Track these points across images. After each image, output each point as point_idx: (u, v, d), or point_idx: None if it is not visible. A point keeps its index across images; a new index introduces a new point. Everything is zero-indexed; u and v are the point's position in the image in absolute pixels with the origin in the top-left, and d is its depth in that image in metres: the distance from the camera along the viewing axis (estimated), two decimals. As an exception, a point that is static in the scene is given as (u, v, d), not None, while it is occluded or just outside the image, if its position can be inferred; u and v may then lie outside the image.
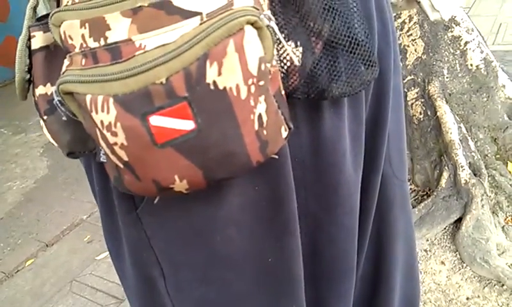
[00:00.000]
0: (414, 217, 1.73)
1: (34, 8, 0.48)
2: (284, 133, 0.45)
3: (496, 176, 1.74)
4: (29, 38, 0.47)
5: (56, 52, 0.46)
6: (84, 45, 0.40)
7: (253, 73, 0.39)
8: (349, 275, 0.67)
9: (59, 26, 0.41)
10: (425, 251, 1.67)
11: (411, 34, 1.76)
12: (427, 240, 1.70)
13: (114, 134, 0.39)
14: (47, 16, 0.46)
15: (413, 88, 1.83)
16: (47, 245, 2.17)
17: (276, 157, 0.48)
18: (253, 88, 0.40)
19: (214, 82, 0.38)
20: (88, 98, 0.38)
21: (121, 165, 0.41)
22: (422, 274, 1.58)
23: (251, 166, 0.43)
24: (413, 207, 1.78)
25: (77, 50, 0.40)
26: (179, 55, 0.37)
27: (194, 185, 0.43)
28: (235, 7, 0.38)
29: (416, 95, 1.83)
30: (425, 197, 1.85)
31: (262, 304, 0.61)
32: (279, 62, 0.46)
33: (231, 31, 0.37)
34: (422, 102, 1.83)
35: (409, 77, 1.82)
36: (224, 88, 0.38)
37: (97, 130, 0.40)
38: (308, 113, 0.53)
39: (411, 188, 1.94)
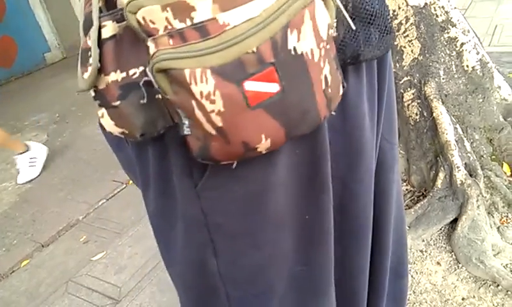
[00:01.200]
0: (410, 217, 1.73)
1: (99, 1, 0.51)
2: (341, 90, 0.52)
3: (492, 176, 1.75)
4: (100, 28, 0.49)
5: (121, 40, 0.49)
6: (170, 27, 0.44)
7: (323, 38, 0.46)
8: (367, 230, 0.74)
9: (135, 13, 0.44)
10: (421, 251, 1.67)
11: (407, 35, 1.76)
12: (423, 241, 1.70)
13: (213, 102, 0.43)
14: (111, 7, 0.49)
15: (409, 89, 1.83)
16: (42, 246, 2.16)
17: (334, 113, 0.53)
18: (323, 51, 0.46)
19: (294, 48, 0.44)
20: (187, 72, 0.42)
21: (214, 132, 0.46)
22: (418, 275, 1.59)
23: (320, 121, 0.50)
24: (409, 208, 1.78)
25: (161, 32, 0.44)
26: (266, 27, 0.43)
27: (276, 143, 0.49)
28: None
29: (412, 96, 1.84)
30: (421, 197, 1.85)
31: (299, 259, 0.67)
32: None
33: (306, 2, 0.44)
34: (418, 103, 1.83)
35: (405, 78, 1.83)
36: (302, 53, 0.45)
37: (193, 101, 0.44)
38: None
39: (407, 189, 1.94)
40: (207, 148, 0.48)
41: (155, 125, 0.52)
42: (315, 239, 0.67)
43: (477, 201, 1.65)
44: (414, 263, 1.63)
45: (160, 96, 0.47)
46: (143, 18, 0.44)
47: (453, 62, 1.80)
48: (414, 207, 1.76)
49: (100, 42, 0.49)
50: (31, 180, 2.77)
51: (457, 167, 1.70)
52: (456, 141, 1.73)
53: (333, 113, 0.52)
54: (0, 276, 2.00)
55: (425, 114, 1.82)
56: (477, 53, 1.82)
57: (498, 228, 1.68)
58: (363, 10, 0.57)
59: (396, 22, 1.75)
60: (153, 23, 0.44)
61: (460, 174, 1.69)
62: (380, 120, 0.72)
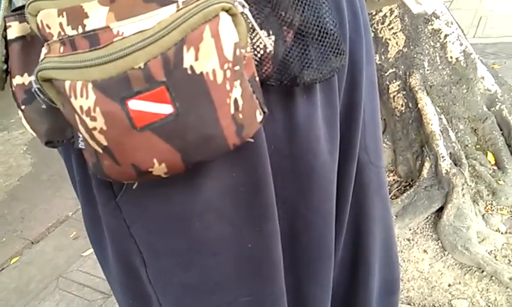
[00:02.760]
0: (397, 207, 1.76)
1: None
2: (259, 117, 0.46)
3: (477, 166, 1.78)
4: (5, 29, 0.47)
5: (32, 42, 0.47)
6: (62, 33, 0.41)
7: (228, 58, 0.41)
8: (327, 260, 0.69)
9: (36, 15, 0.42)
10: (408, 240, 1.70)
11: (392, 28, 1.79)
12: (410, 230, 1.74)
13: (94, 119, 0.40)
14: (23, 7, 0.46)
15: (394, 81, 1.86)
16: (32, 243, 2.15)
17: (252, 140, 0.49)
18: (228, 73, 0.41)
19: (191, 67, 0.39)
20: (67, 84, 0.39)
21: (101, 151, 0.42)
22: (406, 263, 1.62)
23: (228, 149, 0.45)
24: (396, 197, 1.81)
25: (55, 38, 0.41)
26: (157, 41, 0.38)
27: (172, 168, 0.44)
28: None
29: (398, 88, 1.86)
30: (407, 187, 1.88)
31: (242, 289, 0.62)
32: (253, 50, 0.48)
33: (207, 17, 0.39)
34: (403, 95, 1.86)
35: (390, 70, 1.85)
36: (201, 73, 0.40)
37: (76, 115, 0.41)
38: (282, 101, 0.55)
39: (394, 179, 1.97)
40: (99, 166, 0.44)
41: (63, 133, 0.49)
42: (261, 269, 0.61)
43: (462, 189, 1.69)
44: (401, 251, 1.66)
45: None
46: (41, 22, 0.42)
47: (437, 54, 1.82)
48: (401, 197, 1.79)
49: (7, 42, 0.47)
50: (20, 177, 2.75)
51: (443, 157, 1.73)
52: (441, 131, 1.77)
53: (250, 140, 0.48)
54: (-11, 274, 1.99)
55: (410, 105, 1.85)
56: (461, 44, 1.85)
57: (483, 215, 1.71)
58: (313, 26, 0.51)
59: (381, 14, 1.77)
60: (49, 28, 0.41)
61: (445, 164, 1.72)
62: (353, 143, 0.67)
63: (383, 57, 1.83)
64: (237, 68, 0.42)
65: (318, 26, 0.51)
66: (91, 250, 1.96)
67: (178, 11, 0.39)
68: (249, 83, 0.44)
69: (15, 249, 2.11)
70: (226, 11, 0.40)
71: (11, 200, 2.55)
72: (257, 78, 0.46)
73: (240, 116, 0.44)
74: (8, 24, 0.47)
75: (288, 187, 0.60)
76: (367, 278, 0.78)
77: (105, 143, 0.41)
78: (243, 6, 0.41)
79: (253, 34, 0.47)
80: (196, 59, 0.39)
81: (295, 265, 0.66)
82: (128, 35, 0.39)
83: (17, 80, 0.47)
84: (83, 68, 0.39)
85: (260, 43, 0.48)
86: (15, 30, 0.47)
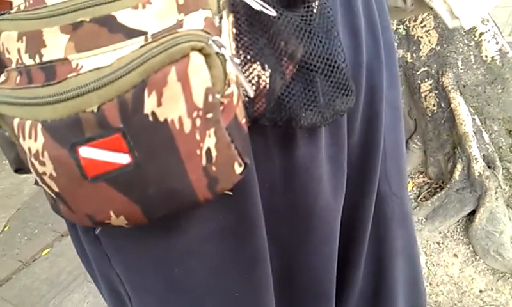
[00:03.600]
0: (427, 209, 1.72)
1: None
2: (238, 169, 0.40)
3: (511, 168, 1.72)
4: None
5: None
6: (20, 61, 0.37)
7: (198, 105, 0.35)
8: (325, 303, 0.64)
9: None
10: (438, 243, 1.66)
11: (424, 25, 1.74)
12: (440, 233, 1.69)
13: (42, 164, 0.36)
14: None
15: (426, 80, 1.81)
16: (62, 235, 2.21)
17: (230, 193, 0.43)
18: (198, 121, 0.36)
19: (153, 113, 0.34)
20: (16, 122, 0.35)
21: (53, 195, 0.38)
22: (435, 266, 1.58)
23: (199, 203, 0.40)
24: (426, 200, 1.77)
25: (13, 65, 0.37)
26: (113, 82, 0.33)
27: (133, 221, 0.40)
28: (182, 30, 0.35)
29: (430, 87, 1.82)
30: (438, 189, 1.84)
31: None
32: (242, 87, 0.41)
33: (173, 58, 0.33)
34: (435, 94, 1.81)
35: (422, 69, 1.81)
36: (165, 120, 0.35)
37: (27, 156, 0.37)
38: (280, 139, 0.50)
39: (424, 181, 1.93)
40: (57, 208, 0.41)
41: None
42: None
43: (496, 193, 1.64)
44: (430, 255, 1.63)
45: None
46: (2, 44, 0.37)
47: (471, 53, 1.77)
48: (431, 199, 1.75)
49: None
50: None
51: (475, 159, 1.68)
52: (474, 132, 1.71)
53: (228, 193, 0.42)
54: (22, 264, 2.05)
55: (442, 105, 1.80)
56: (497, 43, 1.78)
57: (517, 220, 1.66)
58: (319, 59, 0.45)
59: (413, 11, 1.73)
60: (9, 52, 0.37)
61: (478, 166, 1.67)
62: (371, 179, 0.62)
63: (414, 55, 1.79)
64: (209, 115, 0.36)
65: (324, 59, 0.45)
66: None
67: (141, 47, 0.34)
68: (226, 131, 0.38)
69: (46, 241, 2.18)
70: (199, 50, 0.34)
71: (43, 193, 2.61)
72: (242, 122, 0.40)
73: (214, 168, 0.38)
74: None
75: (284, 227, 0.56)
76: None
77: (56, 190, 0.37)
78: (220, 46, 0.35)
79: (246, 67, 0.42)
80: (159, 104, 0.34)
81: None
82: (84, 71, 0.34)
83: None
84: (33, 105, 0.34)
85: (253, 78, 0.42)
86: None
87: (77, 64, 0.35)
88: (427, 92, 1.83)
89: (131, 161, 0.35)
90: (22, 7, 0.38)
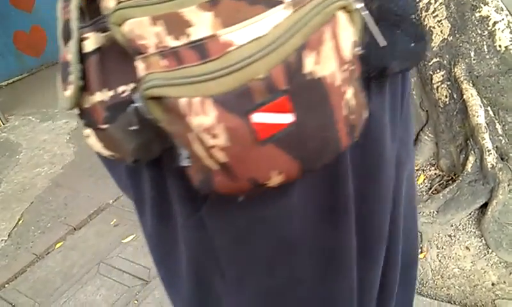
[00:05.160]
0: (438, 202, 1.71)
1: (80, 7, 0.42)
2: (365, 115, 0.44)
3: (525, 160, 1.70)
4: (81, 41, 0.42)
5: (108, 53, 0.42)
6: (161, 44, 0.37)
7: (347, 59, 0.39)
8: (383, 245, 0.69)
9: (122, 25, 0.38)
10: (450, 236, 1.65)
11: (436, 15, 1.71)
12: (452, 226, 1.68)
13: (215, 136, 0.38)
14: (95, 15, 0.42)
15: (438, 71, 1.79)
16: (75, 229, 2.23)
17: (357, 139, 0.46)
18: (346, 74, 0.39)
19: (312, 72, 0.37)
20: (183, 101, 0.36)
21: (216, 167, 0.40)
22: (446, 259, 1.57)
23: (341, 151, 0.44)
24: (438, 192, 1.76)
25: (151, 50, 0.37)
26: (278, 48, 0.36)
27: (289, 178, 0.42)
28: None
29: (441, 78, 1.79)
30: (450, 182, 1.82)
31: (321, 285, 0.62)
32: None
33: (327, 18, 0.37)
34: (447, 85, 1.78)
35: (434, 60, 1.78)
36: (321, 77, 0.38)
37: (191, 134, 0.38)
38: None
39: (435, 174, 1.91)
40: (209, 182, 0.42)
41: (149, 149, 0.45)
42: (336, 265, 0.61)
43: (509, 185, 1.61)
44: (442, 248, 1.61)
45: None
46: (130, 32, 0.37)
47: (485, 42, 1.74)
48: (443, 192, 1.73)
49: (83, 56, 0.42)
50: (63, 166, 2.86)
51: (488, 151, 1.65)
52: (487, 124, 1.69)
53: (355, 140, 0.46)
54: (36, 257, 2.08)
55: (455, 96, 1.78)
56: (511, 32, 1.75)
57: (530, 212, 1.63)
58: (389, 13, 0.48)
59: (425, 1, 1.71)
60: (142, 39, 0.37)
61: (491, 158, 1.65)
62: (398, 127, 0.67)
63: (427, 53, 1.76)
64: (352, 67, 0.40)
65: (395, 14, 0.49)
66: (131, 237, 2.03)
67: (295, 12, 0.37)
68: (357, 81, 0.42)
69: (59, 234, 2.20)
70: (343, 8, 0.38)
71: (55, 187, 2.65)
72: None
73: (352, 116, 0.42)
74: (84, 36, 0.42)
75: (359, 177, 0.59)
76: (392, 258, 0.78)
77: (224, 160, 0.39)
78: (357, 2, 0.39)
79: None
80: (317, 63, 0.37)
81: (360, 254, 0.66)
82: (243, 43, 0.36)
83: (97, 97, 0.43)
84: (199, 82, 0.36)
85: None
86: (92, 41, 0.42)
87: (226, 40, 0.36)
88: (439, 83, 1.80)
89: (294, 120, 0.39)
90: None
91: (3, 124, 3.83)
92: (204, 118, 0.37)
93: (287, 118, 0.38)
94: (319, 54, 0.37)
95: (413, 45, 0.51)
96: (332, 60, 0.38)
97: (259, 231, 0.54)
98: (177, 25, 0.37)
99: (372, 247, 0.67)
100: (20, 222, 2.41)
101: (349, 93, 0.41)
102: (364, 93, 0.44)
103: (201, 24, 0.36)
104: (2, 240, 2.28)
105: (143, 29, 0.37)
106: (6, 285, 1.96)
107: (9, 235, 2.31)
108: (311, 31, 0.36)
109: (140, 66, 0.38)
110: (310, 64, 0.37)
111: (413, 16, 0.50)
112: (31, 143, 3.35)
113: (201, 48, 0.36)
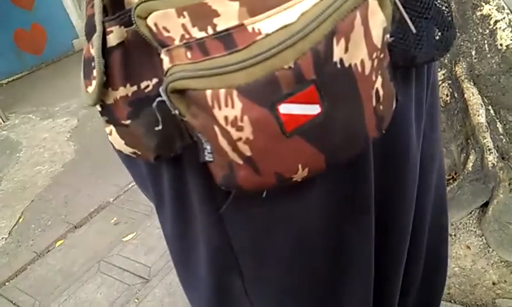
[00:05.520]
0: (439, 201, 1.70)
1: (104, 3, 0.42)
2: (394, 105, 0.42)
3: (526, 159, 1.70)
4: (104, 35, 0.41)
5: (131, 47, 0.41)
6: (187, 36, 0.36)
7: (377, 46, 0.37)
8: (405, 247, 0.67)
9: (146, 18, 0.37)
10: (450, 235, 1.65)
11: (437, 14, 1.71)
12: (452, 225, 1.68)
13: (240, 129, 0.36)
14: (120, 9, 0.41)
15: (439, 69, 1.79)
16: (75, 227, 2.24)
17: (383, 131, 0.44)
18: (376, 62, 0.38)
19: (341, 60, 0.36)
20: (209, 93, 0.35)
21: (241, 162, 0.39)
22: (447, 258, 1.57)
23: (368, 144, 0.42)
24: (438, 191, 1.75)
25: (177, 42, 0.37)
26: (307, 35, 0.34)
27: (314, 172, 0.41)
28: None
29: (442, 77, 1.79)
30: (451, 181, 1.82)
31: (336, 286, 0.61)
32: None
33: (357, 3, 0.35)
34: (448, 84, 1.78)
35: (435, 58, 1.78)
36: (350, 65, 0.36)
37: (216, 127, 0.37)
38: None
39: (436, 172, 1.91)
40: (232, 178, 0.41)
41: (171, 146, 0.44)
42: (353, 263, 0.59)
43: (510, 184, 1.61)
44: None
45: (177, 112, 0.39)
46: (155, 25, 0.37)
47: (486, 41, 1.73)
48: (443, 190, 1.73)
49: (106, 50, 0.41)
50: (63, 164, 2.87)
51: (489, 150, 1.65)
52: (488, 123, 1.69)
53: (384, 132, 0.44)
54: (37, 255, 2.09)
55: (456, 95, 1.78)
56: (512, 31, 1.75)
57: (531, 212, 1.63)
58: (417, 1, 0.46)
59: (426, 0, 1.70)
60: (168, 31, 0.37)
61: (492, 157, 1.65)
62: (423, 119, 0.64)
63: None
64: (382, 55, 0.38)
65: (424, 2, 0.47)
66: (131, 235, 2.03)
67: (321, 0, 0.35)
68: (386, 70, 0.40)
69: (60, 232, 2.21)
70: None
71: (56, 185, 2.66)
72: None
73: (381, 107, 0.40)
74: (108, 29, 0.41)
75: (382, 173, 0.56)
76: (416, 254, 0.76)
77: (248, 154, 0.38)
78: None
79: None
80: (346, 50, 0.35)
81: (381, 251, 0.64)
82: (271, 32, 0.34)
83: (120, 92, 0.42)
84: (224, 74, 0.35)
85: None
86: (116, 35, 0.41)
87: (254, 29, 0.35)
88: (440, 82, 1.80)
89: (321, 111, 0.37)
90: None
91: (3, 122, 3.84)
92: (229, 110, 0.36)
93: (315, 109, 0.37)
94: (349, 41, 0.35)
95: (441, 34, 0.49)
96: (362, 47, 0.36)
97: (279, 230, 0.53)
98: (203, 16, 0.36)
99: (392, 247, 0.65)
100: (21, 220, 2.42)
101: (378, 82, 0.39)
102: (395, 84, 0.43)
103: (228, 14, 0.35)
104: (2, 238, 2.28)
105: (168, 21, 0.36)
106: (7, 283, 1.96)
107: (9, 233, 2.31)
108: (341, 16, 0.35)
109: (165, 59, 0.37)
110: (339, 52, 0.35)
111: (441, 3, 0.48)
112: (31, 141, 3.35)
113: (228, 39, 0.35)
